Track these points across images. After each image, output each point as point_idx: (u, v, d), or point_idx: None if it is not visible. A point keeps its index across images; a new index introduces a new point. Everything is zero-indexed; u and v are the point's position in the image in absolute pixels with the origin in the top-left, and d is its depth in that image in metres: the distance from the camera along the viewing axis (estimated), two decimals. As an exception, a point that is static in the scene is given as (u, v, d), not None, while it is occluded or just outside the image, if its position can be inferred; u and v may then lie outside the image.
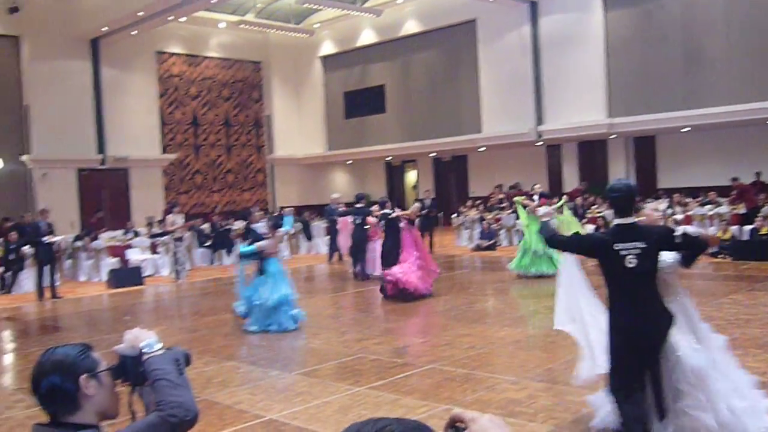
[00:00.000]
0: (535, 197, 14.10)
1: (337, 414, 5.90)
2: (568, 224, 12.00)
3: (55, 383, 2.03)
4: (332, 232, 19.21)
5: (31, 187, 20.74)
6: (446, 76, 24.12)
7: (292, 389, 6.75)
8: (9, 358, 9.75)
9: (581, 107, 20.32)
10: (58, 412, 2.06)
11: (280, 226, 10.81)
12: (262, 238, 10.30)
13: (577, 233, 5.08)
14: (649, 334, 4.51)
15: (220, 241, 19.64)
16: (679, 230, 4.65)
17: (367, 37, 25.82)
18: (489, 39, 22.46)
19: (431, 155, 26.07)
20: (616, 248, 4.45)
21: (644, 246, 4.43)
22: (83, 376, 2.04)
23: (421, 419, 4.66)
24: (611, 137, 21.14)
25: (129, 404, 2.16)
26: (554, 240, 5.04)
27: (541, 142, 22.23)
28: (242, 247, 10.80)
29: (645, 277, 4.49)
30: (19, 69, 20.81)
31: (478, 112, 22.74)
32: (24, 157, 20.54)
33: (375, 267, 13.74)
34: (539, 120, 21.29)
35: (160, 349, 2.11)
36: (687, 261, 4.73)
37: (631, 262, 4.42)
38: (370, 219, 13.73)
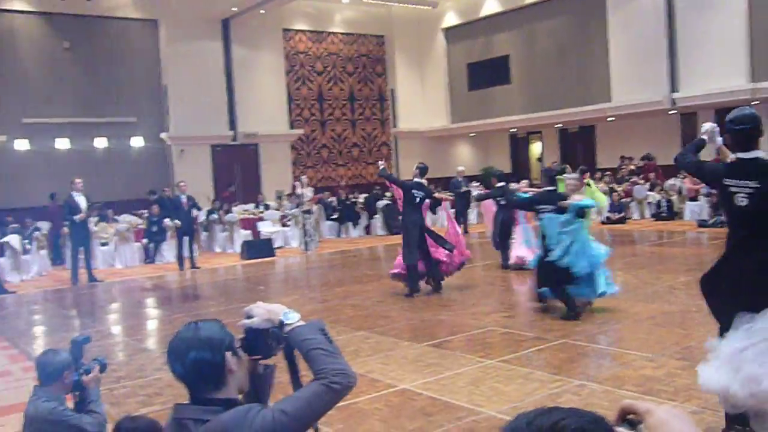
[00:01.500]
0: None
1: (469, 385, 5.91)
2: (592, 193, 11.15)
3: (204, 358, 2.01)
4: (457, 204, 19.19)
5: (170, 163, 21.86)
6: (573, 44, 23.34)
7: (422, 360, 6.81)
8: (154, 324, 10.37)
9: (720, 72, 19.11)
10: (203, 388, 2.05)
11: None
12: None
13: (701, 161, 4.52)
14: (754, 288, 3.99)
15: (347, 214, 20.06)
16: None
17: (491, 6, 25.35)
18: (620, 2, 21.50)
19: (557, 126, 25.39)
20: (726, 183, 4.07)
21: (757, 186, 3.97)
22: (228, 353, 2.04)
23: (553, 394, 4.58)
24: (753, 103, 19.83)
25: (255, 374, 2.16)
26: (685, 158, 4.56)
27: (674, 111, 21.16)
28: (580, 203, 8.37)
29: (759, 220, 4.00)
30: (158, 51, 21.87)
31: (608, 81, 21.88)
32: (163, 135, 21.64)
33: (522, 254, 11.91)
34: (673, 87, 20.24)
35: (300, 318, 2.09)
36: None
37: (741, 200, 4.01)
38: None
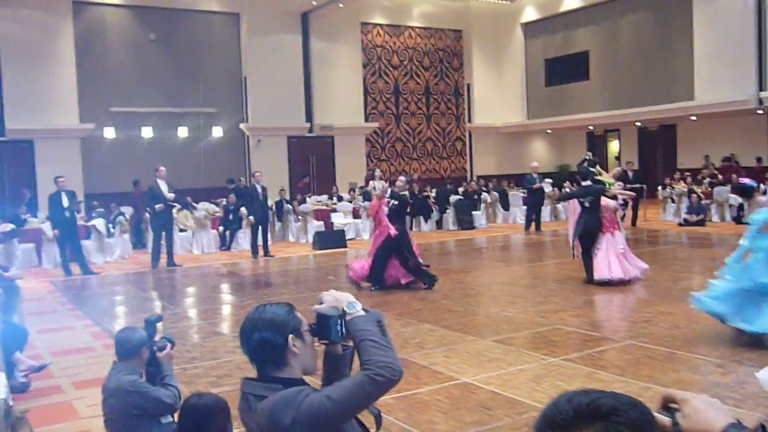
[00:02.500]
0: None
1: (531, 382, 5.93)
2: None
3: (266, 338, 2.15)
4: (530, 201, 19.06)
5: (247, 153, 22.40)
6: (656, 40, 22.78)
7: (486, 355, 6.85)
8: (228, 309, 10.71)
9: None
10: (266, 367, 2.18)
11: None
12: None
13: None
14: None
15: (419, 208, 20.13)
16: None
17: (572, 1, 24.96)
18: (705, -1, 20.88)
19: (636, 124, 24.85)
20: None
21: None
22: (291, 335, 2.16)
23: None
24: None
25: (324, 361, 2.29)
26: None
27: (761, 111, 20.41)
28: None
29: None
30: (239, 43, 22.42)
31: (691, 78, 21.27)
32: (242, 125, 22.18)
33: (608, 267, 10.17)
34: (761, 86, 19.52)
35: (361, 309, 2.18)
36: None
37: None
38: (606, 201, 10.27)
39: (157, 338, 4.02)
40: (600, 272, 10.07)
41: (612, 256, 10.09)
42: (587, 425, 1.16)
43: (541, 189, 19.01)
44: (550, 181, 21.23)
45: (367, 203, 18.01)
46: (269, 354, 2.17)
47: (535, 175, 18.83)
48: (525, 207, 19.68)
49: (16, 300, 6.91)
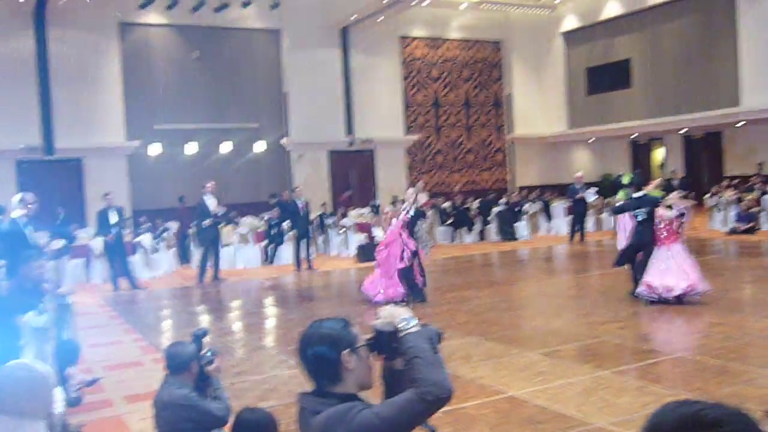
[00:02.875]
0: None
1: (579, 396, 5.85)
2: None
3: (321, 353, 2.17)
4: (574, 211, 18.85)
5: (289, 167, 22.60)
6: (700, 46, 22.43)
7: (533, 368, 6.78)
8: (272, 323, 10.79)
9: None
10: (321, 382, 2.20)
11: None
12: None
13: None
14: None
15: (461, 220, 20.09)
16: None
17: (612, 9, 24.74)
18: (751, 1, 20.49)
19: (681, 132, 24.44)
20: None
21: None
22: (345, 351, 2.17)
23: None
24: None
25: (382, 377, 2.29)
26: None
27: (811, 115, 19.94)
28: None
29: None
30: (280, 59, 22.68)
31: (736, 84, 20.88)
32: (283, 140, 22.41)
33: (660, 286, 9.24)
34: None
35: (415, 325, 2.16)
36: None
37: None
38: (662, 211, 9.46)
39: (203, 352, 4.08)
40: (667, 289, 9.13)
41: (675, 270, 9.18)
42: None
43: (583, 199, 18.79)
44: (593, 189, 20.95)
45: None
46: (324, 369, 2.19)
47: (578, 185, 18.63)
48: (569, 217, 19.49)
49: (69, 315, 7.05)
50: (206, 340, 4.19)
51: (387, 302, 10.08)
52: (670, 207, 9.51)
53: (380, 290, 10.61)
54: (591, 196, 19.34)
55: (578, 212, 18.68)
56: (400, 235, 10.69)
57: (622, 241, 10.70)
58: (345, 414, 2.06)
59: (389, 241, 10.82)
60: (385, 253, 10.78)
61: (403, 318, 2.18)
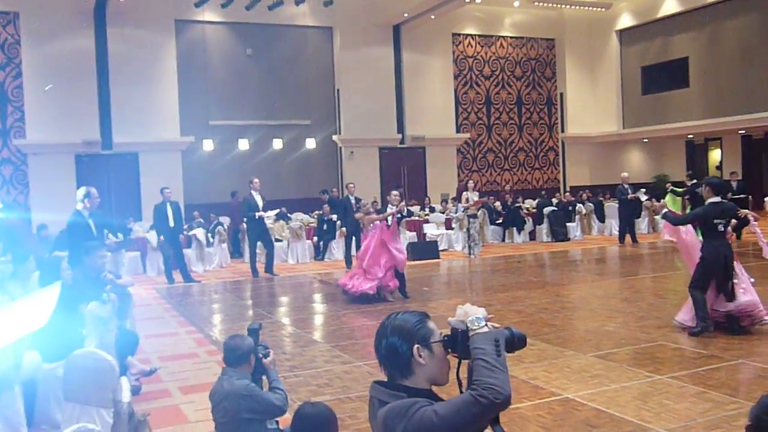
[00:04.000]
0: None
1: (636, 400, 5.75)
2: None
3: (393, 345, 2.19)
4: (622, 212, 18.54)
5: (340, 164, 22.72)
6: (760, 44, 21.83)
7: (587, 371, 6.70)
8: (322, 318, 10.85)
9: None
10: (393, 373, 2.21)
11: None
12: None
13: None
14: None
15: (511, 219, 19.93)
16: None
17: (670, 6, 24.24)
18: (816, 0, 19.90)
19: (740, 132, 23.85)
20: None
21: None
22: (416, 346, 2.17)
23: (729, 416, 4.42)
24: None
25: (456, 375, 2.27)
26: None
27: None
28: None
29: None
30: (332, 56, 22.81)
31: (799, 84, 20.31)
32: (335, 137, 22.53)
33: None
34: None
35: (485, 326, 2.15)
36: None
37: None
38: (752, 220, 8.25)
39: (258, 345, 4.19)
40: (744, 305, 7.79)
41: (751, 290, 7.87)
42: None
43: (637, 199, 18.46)
44: (643, 190, 20.53)
45: (460, 213, 17.96)
46: (395, 361, 2.20)
47: (626, 186, 18.32)
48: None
49: (129, 306, 7.22)
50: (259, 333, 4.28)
51: (360, 295, 10.97)
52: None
53: (353, 284, 11.14)
54: (643, 196, 18.98)
55: (627, 213, 18.37)
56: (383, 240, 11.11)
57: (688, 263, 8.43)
58: (407, 409, 2.07)
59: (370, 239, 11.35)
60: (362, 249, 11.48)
61: (474, 317, 2.17)
